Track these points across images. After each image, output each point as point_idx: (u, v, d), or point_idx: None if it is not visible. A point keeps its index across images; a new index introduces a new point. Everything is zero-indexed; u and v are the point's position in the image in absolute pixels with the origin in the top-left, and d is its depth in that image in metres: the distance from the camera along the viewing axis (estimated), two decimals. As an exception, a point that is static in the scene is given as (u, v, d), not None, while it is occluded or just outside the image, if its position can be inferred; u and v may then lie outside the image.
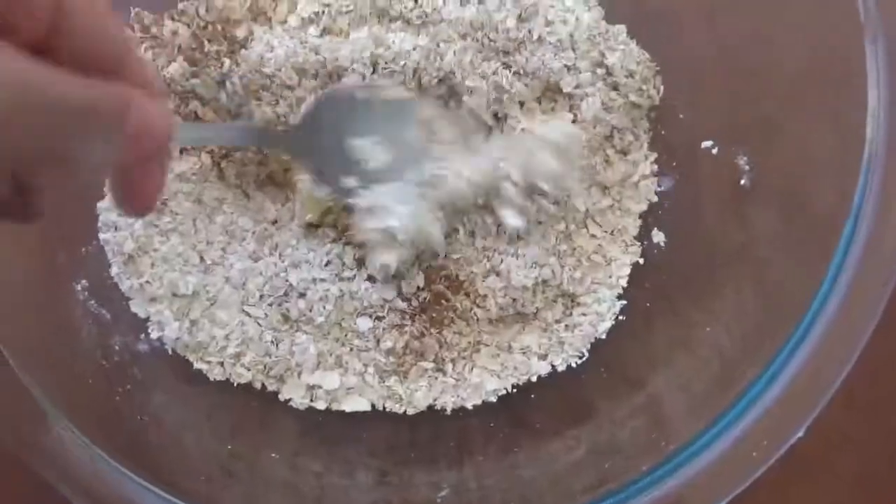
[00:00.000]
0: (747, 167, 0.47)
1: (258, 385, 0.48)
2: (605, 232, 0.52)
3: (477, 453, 0.47)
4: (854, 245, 0.38)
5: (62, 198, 0.48)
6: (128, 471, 0.37)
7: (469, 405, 0.49)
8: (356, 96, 0.47)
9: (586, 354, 0.50)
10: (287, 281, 0.49)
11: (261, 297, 0.49)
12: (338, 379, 0.48)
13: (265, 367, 0.48)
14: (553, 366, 0.49)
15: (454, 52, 0.49)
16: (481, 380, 0.49)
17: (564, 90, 0.50)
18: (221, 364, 0.48)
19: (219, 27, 0.51)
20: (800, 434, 0.35)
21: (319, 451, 0.48)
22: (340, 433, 0.49)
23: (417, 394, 0.49)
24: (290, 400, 0.48)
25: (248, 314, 0.49)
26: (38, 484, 0.37)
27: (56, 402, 0.39)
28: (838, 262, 0.38)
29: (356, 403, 0.48)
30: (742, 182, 0.48)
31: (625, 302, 0.50)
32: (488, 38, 0.50)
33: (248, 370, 0.48)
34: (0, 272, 0.42)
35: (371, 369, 0.49)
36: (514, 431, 0.48)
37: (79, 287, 0.46)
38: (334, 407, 0.48)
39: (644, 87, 0.51)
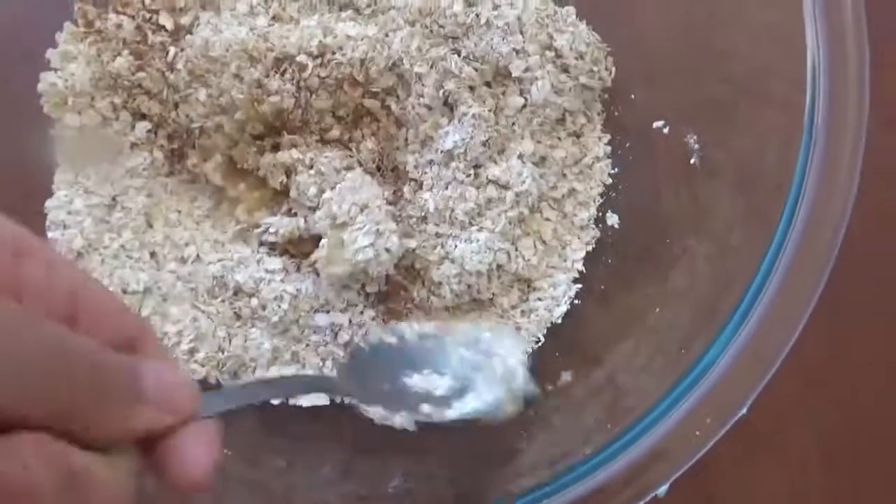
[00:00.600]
0: (697, 146, 0.47)
1: (213, 381, 0.48)
2: (561, 215, 0.51)
3: (435, 440, 0.47)
4: (797, 219, 0.38)
5: (9, 198, 0.48)
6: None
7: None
8: (385, 341, 0.45)
9: (542, 339, 0.49)
10: (235, 280, 0.48)
11: (210, 294, 0.49)
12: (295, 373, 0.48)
13: (219, 362, 0.48)
14: (509, 351, 0.49)
15: (401, 39, 0.49)
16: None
17: (514, 74, 0.50)
18: (175, 359, 0.47)
19: (164, 16, 0.51)
20: (743, 411, 0.35)
21: (281, 446, 0.47)
22: (302, 427, 0.48)
23: None
24: (245, 395, 0.47)
25: (200, 310, 0.48)
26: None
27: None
28: (781, 235, 0.38)
29: (314, 398, 0.48)
30: (692, 161, 0.48)
31: (580, 286, 0.50)
32: (437, 23, 0.50)
33: (203, 366, 0.48)
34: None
35: (329, 363, 0.49)
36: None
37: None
38: (291, 402, 0.48)
39: (595, 69, 0.51)
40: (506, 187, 0.49)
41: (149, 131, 0.51)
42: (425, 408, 0.41)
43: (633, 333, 0.46)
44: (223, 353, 0.48)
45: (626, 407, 0.41)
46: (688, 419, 0.36)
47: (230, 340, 0.48)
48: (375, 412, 0.41)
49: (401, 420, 0.40)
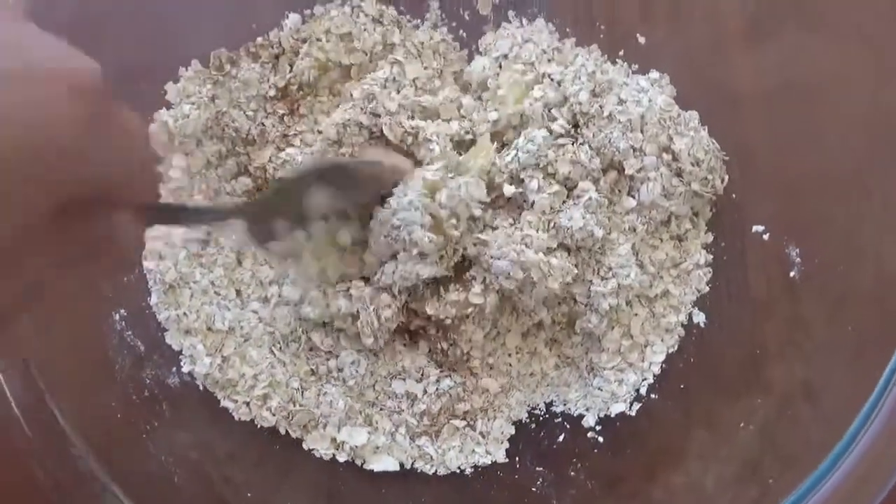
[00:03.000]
0: (798, 259, 0.46)
1: (282, 430, 0.48)
2: (650, 314, 0.51)
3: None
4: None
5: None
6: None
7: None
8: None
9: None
10: (311, 340, 0.49)
11: (287, 344, 0.49)
12: (366, 436, 0.47)
13: (289, 413, 0.48)
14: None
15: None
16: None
17: (626, 171, 0.49)
18: (248, 404, 0.48)
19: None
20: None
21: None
22: (366, 489, 0.48)
23: (450, 454, 0.48)
24: (313, 450, 0.48)
25: (276, 357, 0.49)
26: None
27: (83, 433, 0.39)
28: (888, 376, 0.37)
29: (385, 463, 0.48)
30: (792, 274, 0.46)
31: (648, 383, 0.50)
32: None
33: (273, 415, 0.48)
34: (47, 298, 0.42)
35: (402, 429, 0.49)
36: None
37: (117, 317, 0.46)
38: (359, 463, 0.48)
39: (710, 177, 0.50)
40: (607, 278, 0.49)
41: (246, 191, 0.52)
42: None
43: (706, 448, 0.44)
44: (295, 405, 0.48)
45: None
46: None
47: (303, 393, 0.48)
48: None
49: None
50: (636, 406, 0.49)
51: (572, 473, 0.48)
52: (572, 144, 0.49)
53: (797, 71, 0.49)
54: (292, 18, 0.53)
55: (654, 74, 0.52)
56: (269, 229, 0.44)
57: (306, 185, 0.45)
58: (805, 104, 0.49)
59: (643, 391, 0.49)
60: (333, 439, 0.48)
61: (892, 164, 0.43)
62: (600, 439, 0.48)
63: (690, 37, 0.53)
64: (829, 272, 0.45)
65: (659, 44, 0.53)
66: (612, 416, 0.49)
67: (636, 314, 0.50)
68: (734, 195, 0.51)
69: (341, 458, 0.48)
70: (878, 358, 0.38)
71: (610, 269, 0.48)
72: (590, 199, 0.48)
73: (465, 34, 0.56)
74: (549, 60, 0.52)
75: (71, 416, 0.39)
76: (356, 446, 0.47)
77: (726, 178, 0.50)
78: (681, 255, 0.51)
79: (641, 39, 0.54)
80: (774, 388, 0.44)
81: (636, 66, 0.54)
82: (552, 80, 0.51)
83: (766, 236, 0.49)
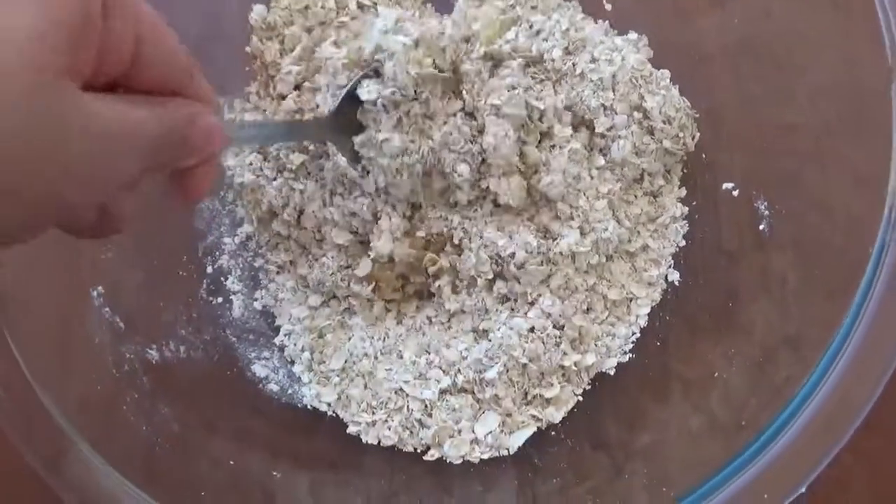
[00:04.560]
0: (767, 212, 0.47)
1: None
2: (632, 269, 0.51)
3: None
4: (871, 298, 0.38)
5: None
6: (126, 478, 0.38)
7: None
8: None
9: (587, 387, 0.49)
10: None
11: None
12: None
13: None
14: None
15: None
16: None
17: (597, 129, 0.50)
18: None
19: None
20: (802, 489, 0.34)
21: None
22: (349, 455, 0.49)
23: None
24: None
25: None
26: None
27: (62, 404, 0.40)
28: (853, 315, 0.38)
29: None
30: (761, 227, 0.47)
31: (636, 337, 0.50)
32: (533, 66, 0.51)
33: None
34: (25, 273, 0.43)
35: None
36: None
37: (95, 293, 0.46)
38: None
39: (681, 135, 0.50)
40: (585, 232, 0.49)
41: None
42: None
43: (688, 396, 0.45)
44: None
45: (673, 476, 0.41)
46: (742, 496, 0.35)
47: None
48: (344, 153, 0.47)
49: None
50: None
51: (553, 433, 0.48)
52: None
53: (763, 31, 0.50)
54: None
55: (633, 35, 0.53)
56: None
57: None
58: (772, 64, 0.49)
59: (627, 347, 0.50)
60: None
61: (856, 119, 0.44)
62: (580, 398, 0.49)
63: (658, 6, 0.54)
64: (796, 223, 0.46)
65: (626, 9, 0.54)
66: (605, 370, 0.49)
67: (621, 271, 0.51)
68: (704, 155, 0.52)
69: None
70: (844, 299, 0.39)
71: (588, 222, 0.49)
72: (573, 149, 0.48)
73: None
74: (532, 7, 0.53)
75: (49, 387, 0.39)
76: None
77: (697, 135, 0.51)
78: (656, 210, 0.52)
79: (608, 6, 0.55)
80: (749, 334, 0.45)
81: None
82: (530, 27, 0.51)
83: (735, 192, 0.50)
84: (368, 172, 0.49)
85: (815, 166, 0.46)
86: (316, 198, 0.52)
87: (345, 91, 0.47)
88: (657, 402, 0.47)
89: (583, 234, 0.49)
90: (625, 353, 0.50)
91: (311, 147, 0.52)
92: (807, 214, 0.45)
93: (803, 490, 0.35)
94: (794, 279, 0.44)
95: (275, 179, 0.52)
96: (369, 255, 0.51)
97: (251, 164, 0.53)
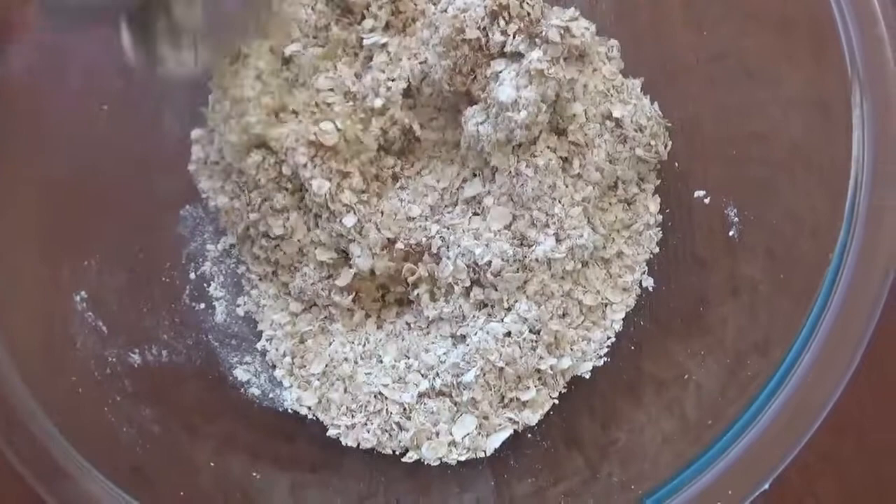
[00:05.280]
0: (736, 219, 0.48)
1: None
2: (607, 275, 0.52)
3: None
4: (833, 300, 0.39)
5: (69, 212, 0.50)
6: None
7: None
8: None
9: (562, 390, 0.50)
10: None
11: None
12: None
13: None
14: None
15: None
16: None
17: (570, 138, 0.51)
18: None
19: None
20: (765, 486, 0.35)
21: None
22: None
23: None
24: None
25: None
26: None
27: (47, 406, 0.40)
28: (815, 316, 0.39)
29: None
30: (731, 233, 0.48)
31: (612, 342, 0.51)
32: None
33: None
34: (8, 280, 0.43)
35: None
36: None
37: (77, 298, 0.47)
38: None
39: (653, 143, 0.52)
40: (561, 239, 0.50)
41: None
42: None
43: (660, 398, 0.46)
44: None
45: (644, 475, 0.42)
46: (708, 492, 0.36)
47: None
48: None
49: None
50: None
51: (529, 435, 0.49)
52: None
53: (735, 49, 0.51)
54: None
55: (612, 41, 0.54)
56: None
57: None
58: (744, 78, 0.51)
59: (602, 352, 0.51)
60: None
61: (823, 131, 0.45)
62: (556, 401, 0.50)
63: (634, 22, 0.56)
64: (764, 229, 0.47)
65: (603, 23, 0.56)
66: (580, 374, 0.50)
67: (596, 277, 0.52)
68: (677, 164, 0.53)
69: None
70: (808, 302, 0.40)
71: (563, 229, 0.50)
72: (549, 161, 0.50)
73: None
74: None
75: (34, 388, 0.40)
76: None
77: (669, 143, 0.52)
78: (630, 217, 0.53)
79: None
80: (719, 337, 0.46)
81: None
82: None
83: (707, 200, 0.51)
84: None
85: (784, 175, 0.47)
86: (299, 226, 0.53)
87: None
88: (631, 403, 0.48)
89: (558, 240, 0.50)
90: (600, 357, 0.51)
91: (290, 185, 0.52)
92: (774, 220, 0.47)
93: (766, 487, 0.36)
94: (763, 283, 0.45)
95: (253, 211, 0.53)
96: (350, 268, 0.52)
97: (223, 187, 0.54)
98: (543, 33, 0.48)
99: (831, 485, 0.50)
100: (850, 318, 0.38)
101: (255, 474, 0.45)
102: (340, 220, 0.51)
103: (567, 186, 0.51)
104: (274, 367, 0.53)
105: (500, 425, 0.49)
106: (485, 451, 0.48)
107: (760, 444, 0.37)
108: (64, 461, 0.39)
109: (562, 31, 0.48)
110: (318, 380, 0.52)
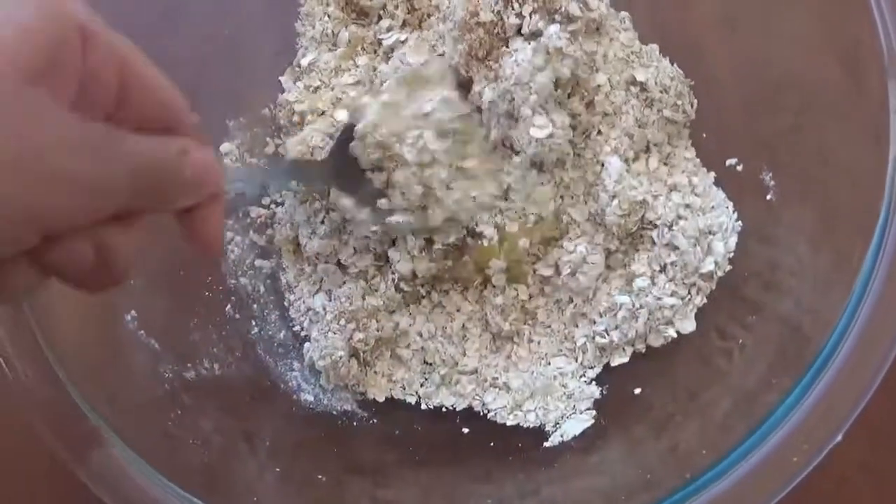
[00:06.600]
0: (772, 182, 0.48)
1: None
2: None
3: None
4: (883, 257, 0.39)
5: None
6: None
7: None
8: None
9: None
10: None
11: None
12: None
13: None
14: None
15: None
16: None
17: (598, 109, 0.51)
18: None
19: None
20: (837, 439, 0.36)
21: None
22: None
23: None
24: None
25: None
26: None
27: (112, 425, 0.41)
28: (865, 276, 0.39)
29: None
30: (768, 197, 0.48)
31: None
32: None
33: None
34: (62, 306, 0.44)
35: None
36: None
37: (129, 317, 0.47)
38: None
39: (679, 103, 0.52)
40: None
41: None
42: (384, 203, 0.49)
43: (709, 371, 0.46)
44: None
45: (691, 450, 0.42)
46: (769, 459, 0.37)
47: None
48: (347, 203, 0.49)
49: (363, 216, 0.49)
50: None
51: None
52: None
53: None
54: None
55: (623, 13, 0.54)
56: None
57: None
58: (761, 35, 0.51)
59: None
60: None
61: (843, 77, 0.45)
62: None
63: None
64: (802, 191, 0.47)
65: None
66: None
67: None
68: (704, 134, 0.53)
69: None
70: (855, 264, 0.40)
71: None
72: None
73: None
74: None
75: (100, 410, 0.40)
76: None
77: (695, 102, 0.53)
78: (669, 171, 0.53)
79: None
80: (763, 309, 0.46)
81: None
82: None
83: (739, 167, 0.51)
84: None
85: (815, 125, 0.47)
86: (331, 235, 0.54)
87: (337, 134, 0.50)
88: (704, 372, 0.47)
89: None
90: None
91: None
92: (812, 175, 0.46)
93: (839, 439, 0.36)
94: (806, 249, 0.45)
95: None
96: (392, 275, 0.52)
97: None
98: (563, 8, 0.48)
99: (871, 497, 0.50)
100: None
101: (320, 477, 0.46)
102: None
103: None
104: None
105: None
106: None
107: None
108: (136, 477, 0.40)
109: (581, 6, 0.49)
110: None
